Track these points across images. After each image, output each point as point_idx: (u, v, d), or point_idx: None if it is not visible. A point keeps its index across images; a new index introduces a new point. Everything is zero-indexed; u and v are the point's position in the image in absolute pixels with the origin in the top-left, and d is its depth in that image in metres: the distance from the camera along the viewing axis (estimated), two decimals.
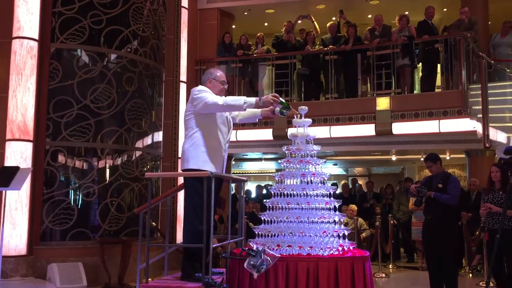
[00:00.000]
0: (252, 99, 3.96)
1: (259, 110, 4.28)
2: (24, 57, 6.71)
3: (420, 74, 9.46)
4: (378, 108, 8.72)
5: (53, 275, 6.21)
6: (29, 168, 5.94)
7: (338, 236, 4.00)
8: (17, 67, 6.68)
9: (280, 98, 4.03)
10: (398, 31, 9.14)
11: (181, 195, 7.78)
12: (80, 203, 6.95)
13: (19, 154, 6.53)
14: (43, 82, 6.91)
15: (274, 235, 4.02)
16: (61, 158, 6.91)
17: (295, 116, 4.25)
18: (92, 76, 7.12)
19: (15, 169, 5.46)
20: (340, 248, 3.91)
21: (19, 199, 6.42)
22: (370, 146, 9.45)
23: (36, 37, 6.82)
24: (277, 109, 4.07)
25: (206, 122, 4.04)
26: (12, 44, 6.73)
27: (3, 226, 5.43)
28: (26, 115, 6.64)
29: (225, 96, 4.18)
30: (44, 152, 6.85)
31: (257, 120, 4.50)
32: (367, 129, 8.78)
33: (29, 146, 6.62)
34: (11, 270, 6.25)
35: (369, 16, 11.05)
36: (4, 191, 5.54)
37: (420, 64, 9.33)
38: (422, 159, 11.66)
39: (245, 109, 4.04)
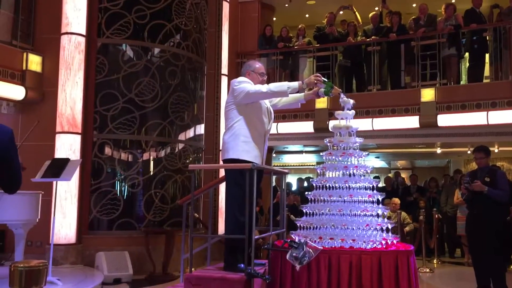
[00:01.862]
0: (295, 83, 3.93)
1: (302, 94, 4.25)
2: (72, 52, 6.93)
3: (467, 64, 9.15)
4: (422, 99, 8.51)
5: (101, 263, 6.43)
6: (78, 160, 6.16)
7: (381, 229, 3.94)
8: (66, 62, 6.91)
9: (323, 78, 3.98)
10: (444, 20, 8.86)
11: (222, 187, 7.88)
12: (125, 194, 7.16)
13: (68, 146, 6.78)
14: (91, 76, 7.14)
15: (316, 227, 4.01)
16: (107, 150, 7.13)
17: (340, 94, 4.17)
18: (137, 70, 7.29)
19: (65, 160, 5.67)
20: (383, 242, 3.86)
21: (68, 189, 6.68)
22: (414, 139, 9.22)
23: (84, 32, 7.04)
24: (321, 89, 4.02)
25: (246, 113, 4.04)
26: (61, 39, 6.98)
27: (54, 215, 5.66)
28: (74, 109, 6.88)
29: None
30: (92, 144, 7.08)
31: (299, 105, 4.45)
32: (411, 121, 8.59)
33: (77, 139, 6.86)
34: (61, 257, 6.52)
35: (414, 5, 10.76)
36: (55, 182, 5.77)
37: (467, 54, 9.02)
38: (469, 152, 11.29)
39: (288, 95, 4.02)
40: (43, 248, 6.63)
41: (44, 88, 7.16)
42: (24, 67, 6.96)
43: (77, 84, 6.92)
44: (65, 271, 6.18)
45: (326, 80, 3.98)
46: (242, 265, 3.74)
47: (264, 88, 3.92)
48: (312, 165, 14.88)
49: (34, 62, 7.07)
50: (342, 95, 4.16)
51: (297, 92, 4.03)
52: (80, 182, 6.85)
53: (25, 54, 6.98)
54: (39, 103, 7.16)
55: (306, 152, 13.07)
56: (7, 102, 7.09)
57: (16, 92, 6.86)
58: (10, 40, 7.04)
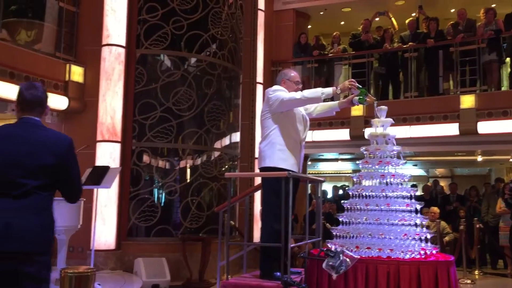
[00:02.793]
0: (329, 89, 3.92)
1: (336, 102, 4.24)
2: (113, 63, 7.14)
3: (509, 70, 8.89)
4: (462, 106, 8.32)
5: (139, 269, 6.55)
6: (118, 168, 6.31)
7: (420, 239, 3.87)
8: (106, 72, 7.13)
9: (357, 84, 3.96)
10: (484, 25, 8.66)
11: (258, 194, 7.92)
12: (163, 201, 7.29)
13: (109, 154, 6.97)
14: (130, 86, 7.33)
15: (353, 236, 3.98)
16: (145, 158, 7.29)
17: (374, 102, 4.14)
18: (174, 80, 7.44)
19: (106, 168, 5.82)
20: (422, 252, 3.79)
21: (108, 196, 6.85)
22: (453, 146, 9.02)
23: (123, 44, 7.25)
24: (356, 98, 4.00)
25: (282, 121, 4.07)
26: (102, 51, 7.20)
27: (95, 221, 5.82)
28: (114, 118, 7.07)
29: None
30: (131, 153, 7.26)
31: (334, 113, 4.44)
32: (450, 129, 8.40)
33: (117, 147, 7.05)
34: (101, 263, 6.69)
35: (452, 10, 10.56)
36: (95, 189, 5.93)
37: (508, 59, 8.77)
38: (511, 160, 10.95)
39: (322, 100, 4.01)
40: (84, 253, 6.82)
41: (85, 98, 7.40)
42: (67, 78, 7.21)
43: (117, 94, 7.12)
44: (105, 276, 6.33)
45: (360, 86, 3.96)
46: (279, 273, 3.74)
47: (298, 95, 3.93)
48: (348, 173, 14.74)
49: (76, 73, 7.32)
50: (376, 104, 4.13)
51: (332, 98, 4.03)
52: (119, 190, 7.03)
53: (68, 66, 7.24)
54: (81, 112, 7.39)
55: (342, 160, 12.97)
56: (51, 112, 7.36)
57: (60, 102, 7.11)
58: (54, 52, 7.31)
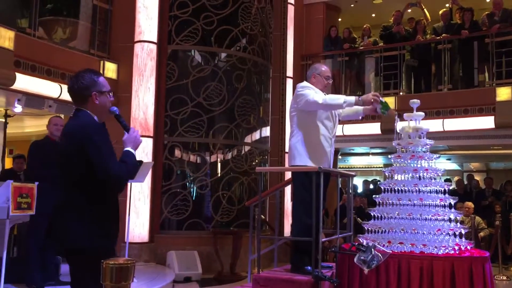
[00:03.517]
0: (352, 98, 3.94)
1: (361, 107, 4.24)
2: (145, 59, 7.26)
3: None
4: (498, 99, 8.09)
5: (172, 262, 6.67)
6: (151, 162, 6.42)
7: (454, 234, 3.82)
8: (139, 69, 7.25)
9: (380, 98, 3.96)
10: None
11: (288, 189, 7.92)
12: (194, 195, 7.39)
13: (141, 149, 7.09)
14: (161, 82, 7.44)
15: (385, 231, 3.95)
16: (177, 153, 7.39)
17: (395, 117, 4.15)
18: (205, 75, 7.50)
19: (139, 162, 5.91)
20: (456, 248, 3.73)
21: (141, 190, 6.99)
22: (489, 140, 8.78)
23: (155, 40, 7.35)
24: (378, 108, 4.02)
25: (309, 118, 4.07)
26: (134, 47, 7.32)
27: (129, 215, 5.95)
28: (147, 113, 7.19)
29: (327, 94, 4.20)
30: (163, 147, 7.37)
31: (360, 118, 4.45)
32: (486, 122, 8.19)
33: (149, 142, 7.17)
34: (135, 255, 6.83)
35: (487, 0, 10.26)
36: (129, 183, 6.06)
37: None
38: None
39: (344, 108, 4.03)
40: (118, 246, 6.97)
41: (119, 94, 7.54)
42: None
43: (149, 90, 7.24)
44: (139, 269, 6.45)
45: (383, 100, 3.96)
46: (309, 268, 3.76)
47: (320, 99, 3.93)
48: (379, 167, 14.56)
49: (110, 70, 7.47)
50: (397, 118, 4.13)
51: (354, 105, 4.04)
52: (152, 184, 7.15)
53: (101, 62, 7.39)
54: None
55: (373, 154, 12.81)
56: None
57: None
58: (88, 49, 7.47)
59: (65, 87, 6.85)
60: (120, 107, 7.45)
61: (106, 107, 2.60)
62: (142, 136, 7.15)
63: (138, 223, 6.97)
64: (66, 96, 6.91)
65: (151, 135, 7.21)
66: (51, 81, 6.58)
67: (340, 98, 3.94)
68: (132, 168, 2.51)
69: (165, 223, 7.31)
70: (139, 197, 6.97)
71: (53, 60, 6.64)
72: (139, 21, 7.33)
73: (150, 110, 7.23)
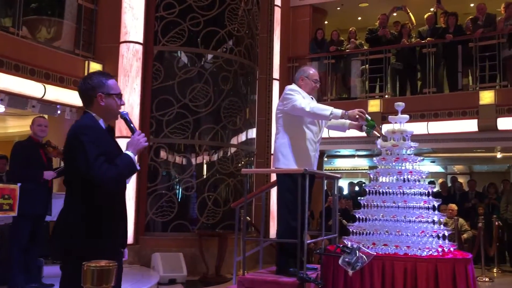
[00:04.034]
0: (339, 111, 3.94)
1: (348, 122, 4.24)
2: (130, 60, 7.22)
3: None
4: (481, 102, 8.21)
5: (157, 264, 6.63)
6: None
7: (438, 236, 3.86)
8: (124, 69, 7.20)
9: (366, 115, 3.97)
10: (504, 20, 8.52)
11: (274, 191, 7.92)
12: (180, 196, 7.35)
13: None
14: (147, 82, 7.40)
15: (369, 233, 3.98)
16: (163, 154, 7.35)
17: (379, 137, 4.17)
18: (191, 76, 7.48)
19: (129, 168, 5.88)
20: (439, 249, 3.77)
21: (127, 192, 6.91)
22: (472, 143, 8.90)
23: (141, 40, 7.31)
24: (364, 126, 4.03)
25: (295, 121, 4.09)
26: (120, 48, 7.28)
27: None
28: (132, 114, 7.14)
29: (314, 97, 4.22)
30: (148, 149, 7.33)
31: (345, 132, 4.46)
32: (469, 125, 8.30)
33: None
34: None
35: (471, 5, 10.41)
36: None
37: None
38: None
39: (330, 119, 4.05)
40: None
41: None
42: (85, 75, 7.29)
43: (134, 91, 7.19)
44: (124, 271, 6.38)
45: (369, 118, 3.98)
46: (295, 269, 3.77)
47: (307, 107, 3.93)
48: (364, 169, 14.66)
49: (95, 70, 7.41)
50: (379, 140, 4.15)
51: (340, 118, 4.05)
52: (137, 185, 7.11)
53: (86, 62, 7.33)
54: None
55: (358, 156, 12.89)
56: (70, 108, 7.46)
57: (79, 98, 7.18)
58: (73, 49, 7.40)
59: (49, 87, 6.78)
60: None
61: (113, 110, 2.60)
62: (128, 137, 7.09)
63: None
64: (50, 96, 6.85)
65: None
66: (34, 81, 6.50)
67: (327, 110, 3.94)
68: (123, 171, 2.45)
69: (150, 224, 7.27)
70: None
71: (37, 59, 6.57)
72: (125, 21, 7.28)
73: (136, 111, 7.18)
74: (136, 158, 2.55)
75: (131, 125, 2.65)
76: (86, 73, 7.32)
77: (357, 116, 3.95)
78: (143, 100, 7.31)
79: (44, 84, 6.58)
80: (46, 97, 6.59)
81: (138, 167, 2.57)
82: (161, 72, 7.46)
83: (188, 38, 7.51)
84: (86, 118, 2.56)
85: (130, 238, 6.95)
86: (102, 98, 2.55)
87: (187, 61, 7.56)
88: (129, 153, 2.53)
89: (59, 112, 7.22)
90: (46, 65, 6.66)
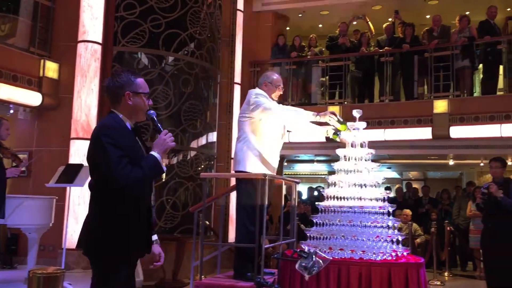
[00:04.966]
0: (309, 113, 3.99)
1: (316, 130, 4.23)
2: (88, 60, 7.05)
3: (481, 76, 9.11)
4: (435, 111, 8.49)
5: None
6: None
7: (392, 241, 3.94)
8: (82, 69, 7.03)
9: (338, 116, 4.01)
10: (458, 32, 8.86)
11: (233, 195, 7.91)
12: None
13: (83, 152, 6.87)
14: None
15: (326, 237, 4.02)
16: None
17: (346, 143, 4.18)
18: (151, 78, 7.37)
19: (79, 166, 5.75)
20: (393, 254, 3.85)
21: (81, 195, 6.76)
22: (426, 150, 9.19)
23: (100, 40, 7.16)
24: (331, 130, 4.05)
25: (259, 125, 4.09)
26: (78, 47, 7.10)
27: (67, 220, 5.74)
28: (89, 115, 6.98)
29: (282, 104, 4.24)
30: None
31: (312, 139, 4.49)
32: (424, 133, 8.56)
33: None
34: (73, 262, 6.59)
35: (427, 16, 10.76)
36: (68, 187, 5.85)
37: (481, 65, 8.99)
38: (481, 164, 11.20)
39: (299, 120, 4.07)
40: (55, 252, 6.70)
41: (60, 95, 7.29)
42: (41, 74, 7.09)
43: (92, 91, 7.03)
44: (77, 276, 6.23)
45: (342, 121, 4.01)
46: (252, 274, 3.76)
47: (277, 108, 3.96)
48: (324, 174, 14.86)
49: (51, 69, 7.21)
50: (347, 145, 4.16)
51: (310, 120, 4.07)
52: None
53: (42, 61, 7.12)
54: (55, 109, 7.28)
55: (318, 161, 13.06)
56: (24, 108, 7.22)
57: (33, 98, 6.98)
58: (28, 47, 7.18)
59: (1, 86, 6.53)
60: (61, 109, 7.25)
61: (140, 110, 2.52)
62: (84, 138, 6.92)
63: (77, 229, 6.71)
64: (2, 95, 6.60)
65: None
66: None
67: (297, 111, 3.99)
68: (148, 172, 2.40)
69: None
70: (78, 202, 6.74)
71: None
72: (83, 20, 7.11)
73: (93, 112, 7.02)
74: (162, 159, 2.46)
75: (158, 125, 2.55)
76: (41, 73, 7.11)
77: (330, 118, 3.99)
78: (101, 101, 7.14)
79: None
80: None
81: (165, 169, 2.49)
82: None
83: (149, 40, 7.41)
84: (109, 118, 2.47)
85: None
86: (130, 96, 2.46)
87: (147, 63, 7.45)
88: (155, 154, 2.44)
89: (11, 111, 6.97)
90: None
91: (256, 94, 4.12)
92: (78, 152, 6.86)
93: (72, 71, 7.10)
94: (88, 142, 6.86)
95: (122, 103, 2.47)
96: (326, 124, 4.23)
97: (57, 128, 7.13)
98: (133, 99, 2.47)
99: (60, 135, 6.94)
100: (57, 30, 7.43)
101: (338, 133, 4.01)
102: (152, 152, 2.44)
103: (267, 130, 4.09)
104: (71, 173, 5.63)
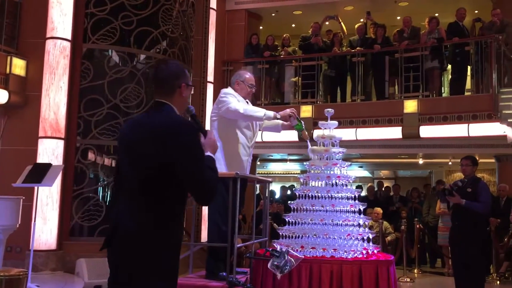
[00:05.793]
0: (271, 113, 4.05)
1: (281, 123, 4.32)
2: (57, 57, 6.89)
3: (449, 76, 9.32)
4: (405, 111, 8.63)
5: (82, 270, 6.35)
6: (60, 165, 6.11)
7: (363, 239, 3.99)
8: (50, 66, 6.87)
9: (296, 116, 4.10)
10: (427, 33, 9.03)
11: None
12: (108, 200, 7.10)
13: (51, 151, 6.72)
14: (75, 81, 7.10)
15: (298, 236, 4.04)
16: (90, 156, 7.08)
17: (307, 140, 4.27)
18: (122, 76, 7.27)
19: (47, 166, 5.62)
20: (364, 252, 3.90)
21: (50, 195, 6.61)
22: (397, 149, 9.35)
23: (69, 37, 7.01)
24: (293, 124, 4.15)
25: (230, 125, 4.08)
26: (46, 44, 6.93)
27: (35, 221, 5.60)
28: (58, 114, 6.83)
29: (249, 101, 4.25)
30: (75, 150, 7.03)
31: (280, 132, 4.53)
32: (394, 132, 8.70)
33: (60, 144, 6.81)
34: (41, 264, 6.44)
35: (398, 17, 10.94)
36: (36, 187, 5.71)
37: (450, 66, 9.19)
38: (450, 163, 11.47)
39: (263, 120, 4.11)
40: (23, 254, 6.53)
41: (27, 92, 7.10)
42: (7, 71, 6.89)
43: (61, 89, 6.88)
44: (45, 278, 6.10)
45: (299, 119, 4.11)
46: (224, 273, 3.75)
47: (241, 109, 3.97)
48: (297, 173, 14.95)
49: (18, 66, 7.01)
50: (308, 143, 4.26)
51: (272, 119, 4.14)
52: (62, 188, 6.79)
53: (9, 58, 6.92)
54: (22, 107, 7.09)
55: (291, 160, 13.13)
56: None
57: None
58: None
59: None
60: (28, 107, 7.07)
61: (186, 104, 2.28)
62: (53, 137, 6.77)
63: (45, 230, 6.57)
64: None
65: (63, 137, 6.84)
66: None
67: (260, 111, 4.02)
68: (216, 175, 2.19)
69: (76, 229, 6.96)
70: (47, 202, 6.59)
71: None
72: (52, 16, 6.95)
73: (62, 111, 6.87)
74: None
75: (199, 122, 2.33)
76: (7, 70, 6.91)
77: (289, 116, 4.06)
78: (70, 100, 6.99)
79: None
80: None
81: None
82: (90, 71, 7.18)
83: (120, 37, 7.29)
84: (173, 113, 2.18)
85: (52, 244, 6.63)
86: (184, 88, 2.23)
87: (118, 61, 7.34)
88: (211, 155, 2.23)
89: None
90: None
91: (225, 93, 4.11)
92: (47, 151, 6.70)
93: (40, 68, 6.93)
94: (57, 141, 6.72)
95: (176, 96, 2.21)
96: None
97: (24, 127, 6.95)
98: (185, 91, 2.24)
99: (27, 133, 6.77)
100: (25, 27, 7.23)
101: (299, 132, 4.10)
102: (208, 154, 2.22)
103: (237, 131, 4.09)
104: (39, 173, 5.50)
